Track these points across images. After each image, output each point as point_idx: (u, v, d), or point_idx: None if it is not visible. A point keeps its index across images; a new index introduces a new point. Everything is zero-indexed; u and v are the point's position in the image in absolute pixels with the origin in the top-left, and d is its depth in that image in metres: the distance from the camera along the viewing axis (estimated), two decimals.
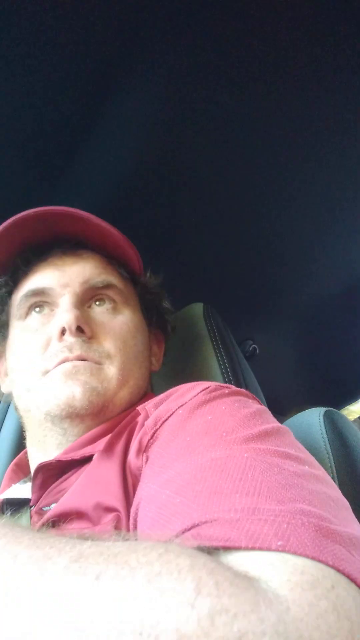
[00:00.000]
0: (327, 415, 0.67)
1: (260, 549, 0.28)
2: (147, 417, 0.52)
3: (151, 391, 0.71)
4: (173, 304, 0.79)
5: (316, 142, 0.83)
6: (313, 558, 0.27)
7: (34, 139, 0.76)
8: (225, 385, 0.53)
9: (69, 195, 0.86)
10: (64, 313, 0.59)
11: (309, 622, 0.23)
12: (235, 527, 0.29)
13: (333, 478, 0.60)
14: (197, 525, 0.31)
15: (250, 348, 1.26)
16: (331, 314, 1.27)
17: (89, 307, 0.64)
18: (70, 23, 0.62)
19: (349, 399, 1.57)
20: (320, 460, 0.61)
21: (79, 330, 0.59)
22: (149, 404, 0.54)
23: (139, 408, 0.55)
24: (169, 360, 0.84)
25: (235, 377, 0.76)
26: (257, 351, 1.26)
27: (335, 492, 0.37)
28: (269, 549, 0.27)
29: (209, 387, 0.51)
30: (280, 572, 0.26)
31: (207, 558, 0.26)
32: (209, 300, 0.88)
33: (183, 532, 0.31)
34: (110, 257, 0.69)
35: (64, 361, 0.57)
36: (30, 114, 0.73)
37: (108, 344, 0.61)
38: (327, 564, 0.27)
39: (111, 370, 0.59)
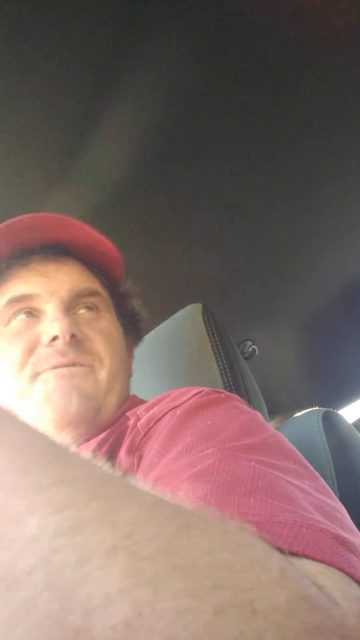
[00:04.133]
0: (325, 416, 0.67)
1: (291, 552, 0.28)
2: (138, 419, 0.52)
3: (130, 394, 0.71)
4: (172, 305, 0.79)
5: (317, 143, 0.83)
6: (330, 564, 0.27)
7: (34, 140, 0.76)
8: (219, 390, 0.53)
9: (69, 195, 0.85)
10: (56, 321, 0.58)
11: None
12: (259, 527, 0.29)
13: (332, 478, 0.60)
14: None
15: (250, 349, 1.25)
16: (330, 314, 1.27)
17: (74, 313, 0.63)
18: (70, 21, 0.62)
19: (348, 400, 1.57)
20: (319, 461, 0.62)
21: (73, 337, 0.58)
22: (139, 408, 0.54)
23: (129, 413, 0.55)
24: (168, 361, 0.84)
25: (234, 378, 0.75)
26: (256, 352, 1.26)
27: (337, 503, 0.38)
28: (289, 549, 0.27)
29: (202, 391, 0.51)
30: (332, 580, 0.26)
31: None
32: (208, 301, 0.88)
33: None
34: (92, 264, 0.68)
35: (57, 366, 0.56)
36: (30, 115, 0.73)
37: (98, 347, 0.60)
38: (343, 570, 0.27)
39: (102, 374, 0.59)
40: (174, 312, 0.89)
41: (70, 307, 0.62)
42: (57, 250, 0.66)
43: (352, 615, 0.24)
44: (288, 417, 1.36)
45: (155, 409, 0.51)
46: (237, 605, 0.21)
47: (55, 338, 0.57)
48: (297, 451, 0.44)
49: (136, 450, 0.47)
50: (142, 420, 0.50)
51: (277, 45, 0.68)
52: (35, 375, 0.57)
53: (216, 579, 0.21)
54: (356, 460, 0.63)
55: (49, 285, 0.62)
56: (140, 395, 0.67)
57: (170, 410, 0.49)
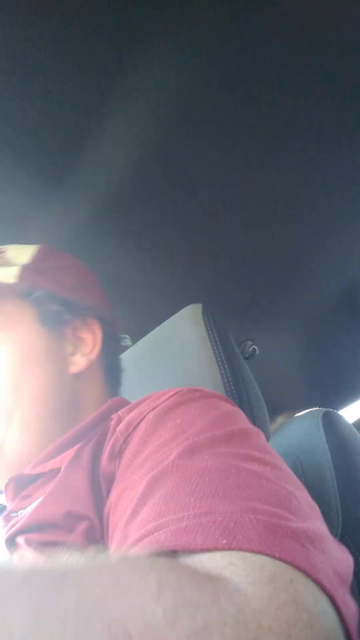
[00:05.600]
0: (326, 416, 0.67)
1: (208, 549, 0.28)
2: (119, 422, 0.51)
3: (113, 394, 0.67)
4: (172, 305, 0.78)
5: (317, 143, 0.83)
6: (258, 552, 0.28)
7: (34, 140, 0.76)
8: (198, 388, 0.52)
9: (68, 195, 0.85)
10: None
11: (269, 613, 0.24)
12: (185, 531, 0.30)
13: (332, 478, 0.60)
14: (152, 532, 0.32)
15: (250, 349, 1.25)
16: (331, 314, 1.27)
17: None
18: (71, 21, 0.62)
19: (348, 400, 1.57)
20: (319, 461, 0.61)
21: None
22: (122, 410, 0.54)
23: (113, 415, 0.54)
24: (168, 361, 0.84)
25: (235, 378, 0.75)
26: (257, 352, 1.26)
27: (300, 491, 0.38)
28: (215, 549, 0.28)
29: (180, 391, 0.51)
30: (240, 568, 0.27)
31: (165, 558, 0.27)
32: (208, 301, 0.88)
33: (140, 539, 0.32)
34: None
35: None
36: (30, 115, 0.73)
37: None
38: (272, 556, 0.28)
39: None
40: (174, 312, 0.89)
41: None
42: None
43: (254, 599, 0.24)
44: (288, 417, 1.36)
45: (134, 412, 0.51)
46: (110, 637, 0.22)
47: None
48: (268, 445, 0.44)
49: (117, 457, 0.47)
50: (121, 426, 0.50)
51: (278, 44, 0.68)
52: None
53: (87, 619, 0.23)
54: (356, 461, 0.63)
55: None
56: (140, 396, 0.67)
57: (147, 414, 0.49)
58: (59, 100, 0.71)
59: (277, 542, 0.29)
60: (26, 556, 0.47)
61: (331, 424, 0.65)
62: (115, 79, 0.70)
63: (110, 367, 0.69)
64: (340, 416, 0.69)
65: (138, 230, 0.93)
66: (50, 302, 0.62)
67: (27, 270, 0.62)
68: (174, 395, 0.50)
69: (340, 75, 0.73)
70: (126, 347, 0.78)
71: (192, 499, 0.33)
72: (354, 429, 0.69)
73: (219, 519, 0.30)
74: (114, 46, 0.65)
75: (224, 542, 0.28)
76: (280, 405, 1.44)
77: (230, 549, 0.28)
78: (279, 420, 1.41)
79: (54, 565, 0.28)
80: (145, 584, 0.24)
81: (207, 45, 0.67)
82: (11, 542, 0.51)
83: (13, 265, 0.63)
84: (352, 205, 0.96)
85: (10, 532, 0.51)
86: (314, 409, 0.70)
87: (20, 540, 0.49)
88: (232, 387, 0.73)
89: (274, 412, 1.42)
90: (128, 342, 0.78)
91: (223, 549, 0.28)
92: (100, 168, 0.83)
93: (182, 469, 0.37)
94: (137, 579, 0.25)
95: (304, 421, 0.68)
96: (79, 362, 0.63)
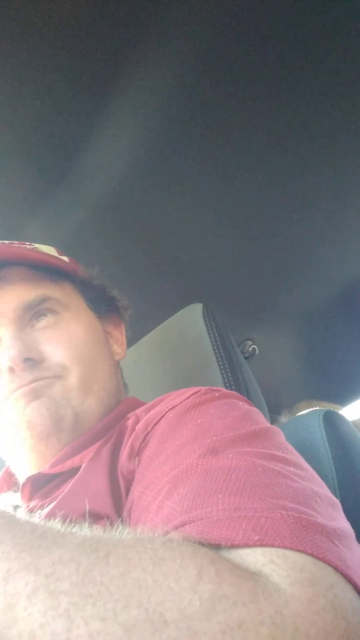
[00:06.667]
0: (326, 416, 0.67)
1: (239, 545, 0.28)
2: (137, 421, 0.52)
3: (126, 392, 0.69)
4: (172, 305, 0.78)
5: (316, 143, 0.83)
6: (291, 548, 0.28)
7: (34, 140, 0.76)
8: (216, 388, 0.53)
9: (68, 195, 0.85)
10: (6, 351, 0.56)
11: (307, 617, 0.23)
12: (217, 525, 0.30)
13: (333, 479, 0.60)
14: (182, 525, 0.32)
15: (250, 348, 1.25)
16: (331, 314, 1.27)
17: (32, 326, 0.60)
18: (70, 27, 0.62)
19: (349, 399, 1.57)
20: (320, 461, 0.61)
21: (27, 360, 0.56)
22: (139, 409, 0.54)
23: (130, 414, 0.55)
24: (169, 361, 0.84)
25: (235, 378, 0.75)
26: (257, 351, 1.26)
27: (323, 490, 0.38)
28: (246, 545, 0.28)
29: (199, 391, 0.51)
30: (280, 567, 0.27)
31: (208, 549, 0.27)
32: (208, 301, 0.88)
33: (169, 533, 0.32)
34: (36, 267, 0.63)
35: (20, 387, 0.56)
36: (30, 115, 0.73)
37: (60, 358, 0.58)
38: (305, 552, 0.27)
39: (70, 379, 0.57)
40: (174, 312, 0.89)
41: (23, 323, 0.60)
42: None
43: (293, 601, 0.24)
44: (288, 417, 1.36)
45: (153, 411, 0.51)
46: (146, 620, 0.23)
47: (11, 367, 0.56)
48: (289, 444, 0.44)
49: (136, 455, 0.47)
50: (141, 424, 0.50)
51: (279, 43, 0.68)
52: (4, 401, 0.57)
53: (127, 599, 0.24)
54: (357, 460, 0.63)
55: None
56: (141, 396, 0.67)
57: (166, 413, 0.49)
58: (59, 99, 0.71)
59: (309, 538, 0.29)
60: None
61: (332, 424, 0.65)
62: (115, 77, 0.70)
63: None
64: (341, 416, 0.69)
65: (138, 230, 0.93)
66: (92, 290, 0.67)
67: (71, 261, 0.67)
68: (193, 394, 0.50)
69: (340, 73, 0.73)
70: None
71: (220, 496, 0.33)
72: (355, 429, 0.69)
73: (250, 514, 0.30)
74: (114, 44, 0.65)
75: (256, 537, 0.29)
76: (280, 404, 1.44)
77: (262, 545, 0.28)
78: (278, 419, 1.42)
79: (103, 538, 0.29)
80: (185, 571, 0.25)
81: (208, 46, 0.67)
82: None
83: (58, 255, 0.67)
84: (352, 205, 0.96)
85: None
86: (314, 408, 0.70)
87: None
88: (233, 387, 0.74)
89: (275, 411, 1.42)
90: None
91: (255, 545, 0.28)
92: (99, 166, 0.82)
93: (207, 467, 0.37)
94: (177, 565, 0.25)
95: (305, 421, 0.68)
96: (118, 351, 0.68)
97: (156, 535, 0.29)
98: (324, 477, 0.42)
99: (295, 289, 1.17)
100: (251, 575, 0.26)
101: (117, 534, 0.30)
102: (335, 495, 0.54)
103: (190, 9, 0.63)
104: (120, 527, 0.31)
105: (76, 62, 0.67)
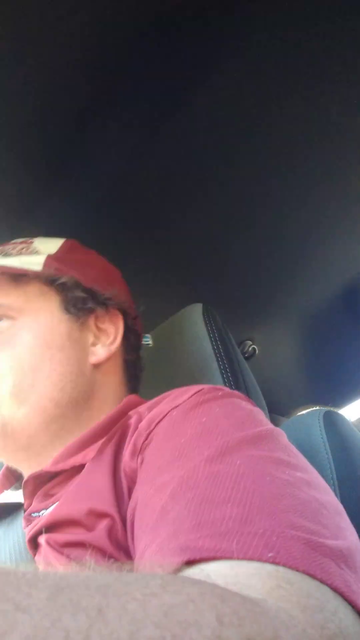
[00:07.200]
0: (326, 416, 0.66)
1: (252, 559, 0.28)
2: (140, 419, 0.52)
3: (130, 391, 0.69)
4: (172, 305, 0.78)
5: (316, 143, 0.83)
6: (303, 571, 0.27)
7: (33, 141, 0.76)
8: (219, 387, 0.53)
9: (67, 193, 0.85)
10: None
11: None
12: (226, 538, 0.30)
13: (333, 479, 0.60)
14: (188, 534, 0.31)
15: (250, 348, 1.25)
16: (331, 313, 1.27)
17: None
18: (69, 19, 0.62)
19: (349, 400, 1.57)
20: (320, 462, 0.61)
21: None
22: (142, 407, 0.54)
23: (132, 412, 0.55)
24: (168, 361, 0.84)
25: (235, 378, 0.75)
26: (257, 352, 1.26)
27: (328, 496, 0.38)
28: (259, 560, 0.28)
29: (202, 389, 0.51)
30: (288, 592, 0.26)
31: (211, 584, 0.24)
32: (208, 301, 0.88)
33: (175, 541, 0.32)
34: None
35: None
36: (29, 116, 0.72)
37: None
38: (314, 576, 0.27)
39: (2, 389, 0.56)
40: (174, 312, 0.88)
41: None
42: None
43: (309, 628, 0.23)
44: (289, 417, 1.36)
45: (156, 409, 0.51)
46: None
47: None
48: (292, 446, 0.44)
49: (139, 454, 0.47)
50: (143, 423, 0.50)
51: (281, 51, 0.68)
52: None
53: None
54: (357, 460, 0.63)
55: None
56: (141, 395, 0.67)
57: (170, 411, 0.49)
58: (58, 96, 0.71)
59: (317, 562, 0.29)
60: (48, 558, 0.47)
61: (332, 424, 0.65)
62: (115, 76, 0.70)
63: (130, 363, 0.70)
64: (341, 416, 0.68)
65: (138, 230, 0.93)
66: (74, 289, 0.63)
67: (53, 259, 0.64)
68: (196, 393, 0.50)
69: (340, 72, 0.73)
70: (146, 345, 0.78)
71: (228, 505, 0.33)
72: (355, 429, 0.69)
73: (260, 530, 0.30)
74: (114, 43, 0.65)
75: (269, 555, 0.28)
76: (280, 404, 1.44)
77: (274, 562, 0.28)
78: (279, 419, 1.41)
79: (93, 584, 0.22)
80: (203, 618, 0.21)
81: (210, 54, 0.67)
82: (33, 543, 0.51)
83: (40, 254, 0.65)
84: (352, 205, 0.96)
85: (31, 532, 0.50)
86: (314, 408, 0.70)
87: (41, 540, 0.49)
88: (233, 387, 0.73)
89: (275, 411, 1.42)
90: (149, 340, 0.78)
91: (267, 561, 0.28)
92: (99, 165, 0.82)
93: (215, 471, 0.36)
94: (191, 612, 0.21)
95: (305, 421, 0.68)
96: (99, 352, 0.64)
97: (145, 575, 0.24)
98: (324, 477, 0.42)
99: (296, 289, 1.17)
100: (262, 607, 0.24)
101: (93, 574, 0.23)
102: (335, 495, 0.54)
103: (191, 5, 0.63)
104: (93, 567, 0.26)
105: (76, 56, 0.67)
